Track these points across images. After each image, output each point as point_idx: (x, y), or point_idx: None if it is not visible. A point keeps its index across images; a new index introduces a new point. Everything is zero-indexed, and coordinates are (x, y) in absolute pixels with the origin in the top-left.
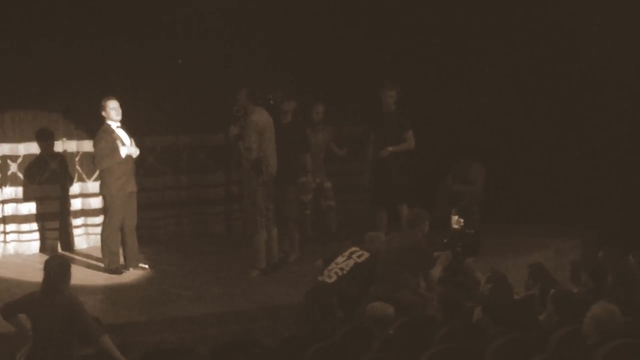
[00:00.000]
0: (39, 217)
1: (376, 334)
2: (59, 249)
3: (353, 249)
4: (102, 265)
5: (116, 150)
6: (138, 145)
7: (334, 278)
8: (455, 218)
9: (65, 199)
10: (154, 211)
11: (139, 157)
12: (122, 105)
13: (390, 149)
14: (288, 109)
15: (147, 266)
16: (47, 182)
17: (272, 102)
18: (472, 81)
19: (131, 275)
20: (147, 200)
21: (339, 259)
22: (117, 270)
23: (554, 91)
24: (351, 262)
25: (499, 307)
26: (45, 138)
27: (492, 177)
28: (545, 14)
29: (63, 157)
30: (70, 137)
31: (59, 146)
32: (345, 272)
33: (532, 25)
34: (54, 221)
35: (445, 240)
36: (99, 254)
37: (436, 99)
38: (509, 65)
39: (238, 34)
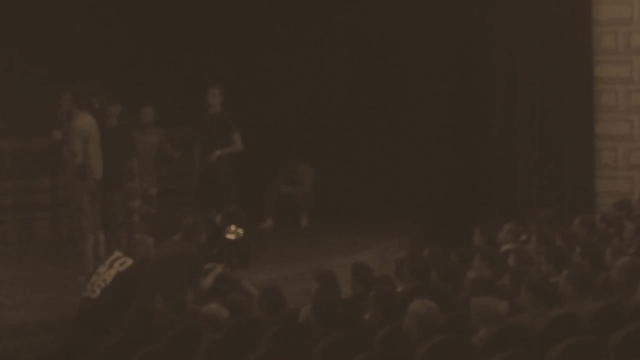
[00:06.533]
0: None
1: (206, 337)
2: None
3: (116, 255)
4: None
5: None
6: None
7: (98, 292)
8: (231, 228)
9: None
10: None
11: None
12: None
13: (218, 152)
14: (113, 113)
15: None
16: None
17: (96, 106)
18: (297, 81)
19: None
20: None
21: (101, 269)
22: None
23: (376, 89)
24: (113, 272)
25: (326, 307)
26: None
27: (320, 177)
28: (360, 15)
29: None
30: None
31: None
32: (107, 283)
33: (350, 25)
34: None
35: (215, 251)
36: None
37: (262, 100)
38: (333, 65)
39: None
